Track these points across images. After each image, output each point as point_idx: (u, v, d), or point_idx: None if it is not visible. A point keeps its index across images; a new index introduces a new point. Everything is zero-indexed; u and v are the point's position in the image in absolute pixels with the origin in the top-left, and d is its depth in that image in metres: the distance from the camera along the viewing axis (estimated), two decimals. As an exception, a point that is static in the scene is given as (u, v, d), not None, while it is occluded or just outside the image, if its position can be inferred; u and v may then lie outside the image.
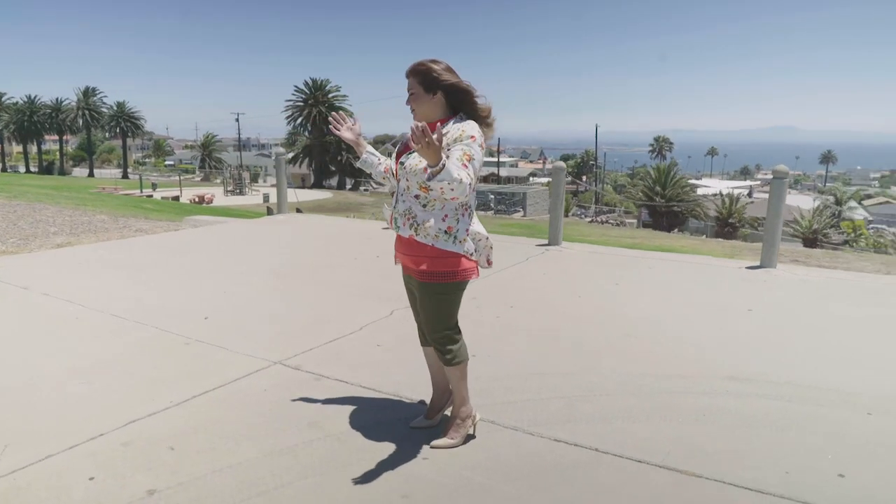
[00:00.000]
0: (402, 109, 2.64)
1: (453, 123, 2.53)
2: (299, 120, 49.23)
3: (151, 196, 28.57)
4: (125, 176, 59.38)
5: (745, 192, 50.79)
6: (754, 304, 4.97)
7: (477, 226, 2.62)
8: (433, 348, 2.74)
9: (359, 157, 2.81)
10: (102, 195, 18.60)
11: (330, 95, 49.02)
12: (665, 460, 2.63)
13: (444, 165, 2.27)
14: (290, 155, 61.01)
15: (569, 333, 4.24)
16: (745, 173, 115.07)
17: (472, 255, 2.58)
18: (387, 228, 8.45)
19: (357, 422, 2.95)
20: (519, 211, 38.01)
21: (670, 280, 5.85)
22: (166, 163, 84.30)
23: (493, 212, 36.85)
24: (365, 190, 45.47)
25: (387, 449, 2.71)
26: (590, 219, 36.99)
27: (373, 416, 3.01)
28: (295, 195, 17.24)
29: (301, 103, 48.88)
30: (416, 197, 2.52)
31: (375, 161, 2.77)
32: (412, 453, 2.68)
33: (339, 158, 47.51)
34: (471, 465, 2.60)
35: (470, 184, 2.35)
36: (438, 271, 2.53)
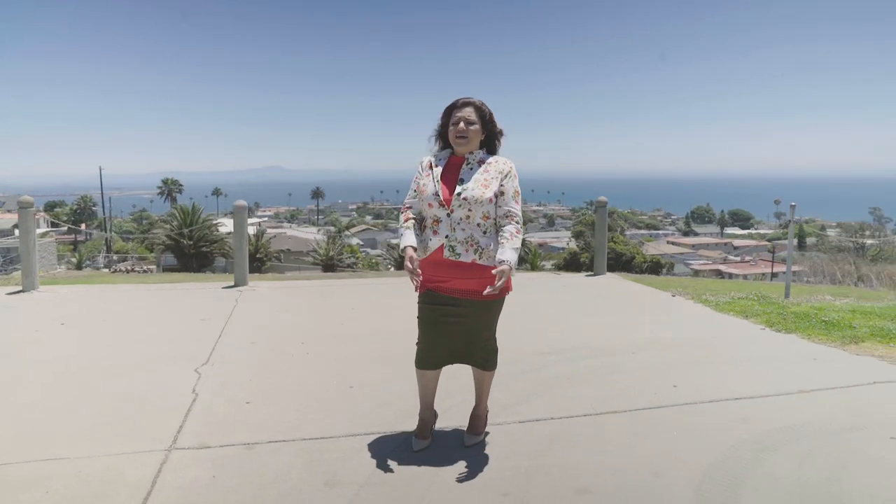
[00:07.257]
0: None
1: (485, 155, 2.89)
2: None
3: None
4: None
5: (257, 228, 54.49)
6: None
7: None
8: (475, 359, 2.94)
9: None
10: None
11: None
12: (587, 410, 3.49)
13: (510, 266, 2.65)
14: None
15: (370, 352, 4.60)
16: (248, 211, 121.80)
17: None
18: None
19: (362, 467, 2.81)
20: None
21: (371, 298, 6.75)
22: None
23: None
24: None
25: (429, 475, 2.74)
26: (112, 269, 33.46)
27: (366, 458, 2.90)
28: None
29: None
30: (478, 225, 2.77)
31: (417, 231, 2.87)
32: (453, 472, 2.78)
33: None
34: (504, 456, 2.92)
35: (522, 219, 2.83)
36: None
